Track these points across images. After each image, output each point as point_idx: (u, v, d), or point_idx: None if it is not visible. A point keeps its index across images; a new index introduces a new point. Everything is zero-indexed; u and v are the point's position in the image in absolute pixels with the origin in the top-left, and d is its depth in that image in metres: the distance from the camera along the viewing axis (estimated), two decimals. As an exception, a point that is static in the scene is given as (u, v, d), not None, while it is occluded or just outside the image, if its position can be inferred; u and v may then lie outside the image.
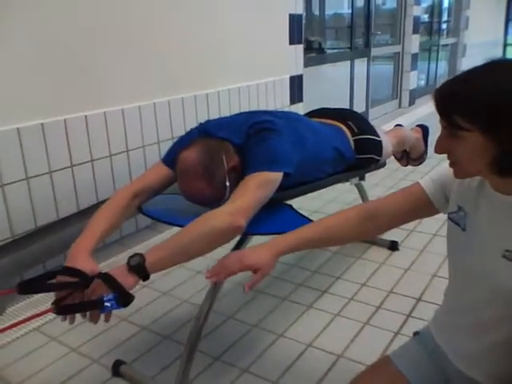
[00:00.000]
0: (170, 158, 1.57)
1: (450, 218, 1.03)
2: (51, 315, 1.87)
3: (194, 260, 2.46)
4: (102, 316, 1.13)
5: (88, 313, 1.13)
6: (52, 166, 2.16)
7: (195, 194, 1.45)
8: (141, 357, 1.69)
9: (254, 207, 1.35)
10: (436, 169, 1.08)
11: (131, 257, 1.15)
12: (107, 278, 1.11)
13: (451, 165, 0.91)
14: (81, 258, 1.23)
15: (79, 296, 1.14)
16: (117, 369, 1.60)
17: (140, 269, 1.13)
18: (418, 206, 1.09)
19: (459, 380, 1.03)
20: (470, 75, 0.85)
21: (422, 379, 1.07)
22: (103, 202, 1.47)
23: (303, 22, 3.81)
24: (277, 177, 1.44)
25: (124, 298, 1.09)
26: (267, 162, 1.42)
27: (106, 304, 1.07)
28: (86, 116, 2.28)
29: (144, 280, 1.15)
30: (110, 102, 2.39)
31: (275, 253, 1.12)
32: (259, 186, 1.38)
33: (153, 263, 1.15)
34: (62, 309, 1.12)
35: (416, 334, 1.19)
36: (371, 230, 1.16)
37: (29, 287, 1.18)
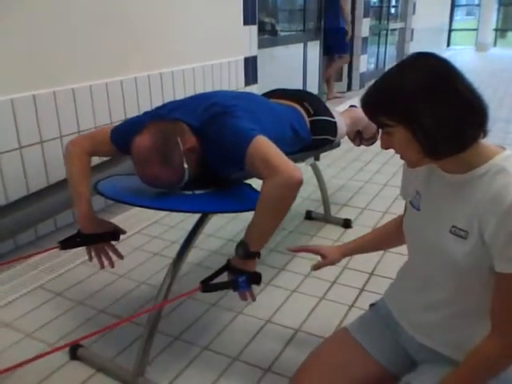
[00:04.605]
0: (119, 138, 1.54)
1: (410, 203, 1.09)
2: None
3: (150, 242, 2.46)
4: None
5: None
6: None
7: (153, 179, 1.43)
8: (99, 340, 1.67)
9: (287, 158, 1.36)
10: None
11: (237, 247, 1.35)
12: (234, 270, 1.35)
13: (401, 158, 0.99)
14: (96, 223, 1.53)
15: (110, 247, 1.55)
16: (74, 352, 1.58)
17: (248, 253, 1.33)
18: None
19: (412, 345, 1.10)
20: (384, 76, 0.93)
21: (377, 347, 1.13)
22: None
23: (257, 2, 3.79)
24: (263, 137, 1.42)
25: (252, 278, 1.33)
26: (245, 134, 1.40)
27: (240, 282, 1.30)
28: (33, 95, 2.19)
29: (259, 257, 1.36)
30: (59, 82, 2.31)
31: (341, 252, 1.40)
32: (266, 147, 1.39)
33: (253, 245, 1.33)
34: (208, 287, 1.32)
35: (372, 305, 1.25)
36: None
37: (70, 244, 1.52)
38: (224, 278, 1.38)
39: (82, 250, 2.25)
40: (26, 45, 2.13)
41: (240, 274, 1.32)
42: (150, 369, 1.50)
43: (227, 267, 1.37)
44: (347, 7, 5.58)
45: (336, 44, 5.62)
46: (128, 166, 1.68)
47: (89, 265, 2.15)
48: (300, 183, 1.30)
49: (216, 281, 1.33)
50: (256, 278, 1.34)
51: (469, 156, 0.92)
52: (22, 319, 1.78)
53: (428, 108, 0.87)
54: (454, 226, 0.95)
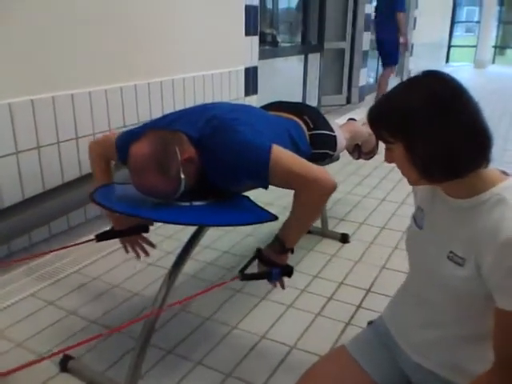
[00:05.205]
0: (121, 150, 1.54)
1: (413, 218, 1.08)
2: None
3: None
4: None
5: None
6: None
7: (149, 188, 1.40)
8: (90, 351, 1.63)
9: (314, 165, 1.43)
10: None
11: (273, 242, 1.44)
12: (268, 262, 1.44)
13: (401, 173, 0.97)
14: (124, 219, 1.63)
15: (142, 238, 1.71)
16: (65, 364, 1.54)
17: (284, 249, 1.43)
18: None
19: (409, 366, 1.08)
20: (391, 91, 0.93)
21: (375, 366, 1.11)
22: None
23: (259, 13, 3.80)
24: (277, 146, 1.44)
25: (285, 271, 1.43)
26: (260, 149, 1.40)
27: (274, 274, 1.41)
28: (31, 100, 2.17)
29: (292, 252, 1.47)
30: (58, 87, 2.29)
31: None
32: (286, 157, 1.43)
33: (289, 242, 1.44)
34: (246, 277, 1.39)
35: (370, 323, 1.22)
36: None
37: (105, 236, 1.64)
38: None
39: (74, 258, 2.26)
40: (25, 49, 2.12)
41: (274, 266, 1.42)
42: (142, 383, 1.47)
43: (258, 257, 1.45)
44: (403, 20, 5.82)
45: (386, 55, 6.01)
46: (123, 174, 1.67)
47: (81, 273, 2.13)
48: (335, 187, 1.38)
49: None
50: (288, 271, 1.44)
51: (471, 181, 0.90)
52: (13, 328, 1.75)
53: (425, 128, 0.85)
54: (451, 252, 0.93)
